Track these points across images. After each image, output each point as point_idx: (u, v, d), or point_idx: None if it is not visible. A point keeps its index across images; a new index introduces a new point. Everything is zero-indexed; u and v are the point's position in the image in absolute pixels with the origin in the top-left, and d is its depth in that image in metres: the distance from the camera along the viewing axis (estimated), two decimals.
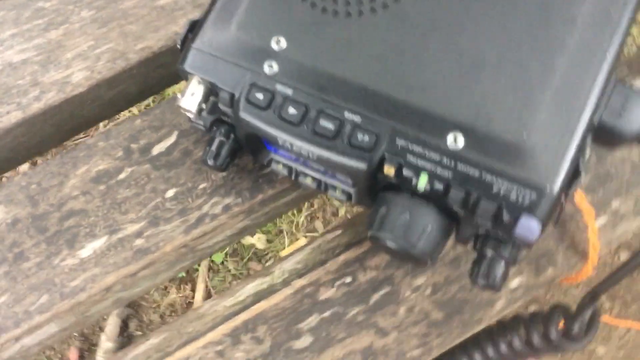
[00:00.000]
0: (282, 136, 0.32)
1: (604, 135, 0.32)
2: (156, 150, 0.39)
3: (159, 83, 0.44)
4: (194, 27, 0.34)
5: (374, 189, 0.33)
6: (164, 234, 0.37)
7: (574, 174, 0.30)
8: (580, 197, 0.40)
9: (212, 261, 1.15)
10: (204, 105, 0.34)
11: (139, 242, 0.37)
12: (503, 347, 0.42)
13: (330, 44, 0.33)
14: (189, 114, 0.34)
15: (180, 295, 1.18)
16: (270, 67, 0.33)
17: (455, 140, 0.30)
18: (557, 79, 0.30)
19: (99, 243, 0.37)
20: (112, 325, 1.12)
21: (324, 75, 0.32)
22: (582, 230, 0.41)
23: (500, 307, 0.40)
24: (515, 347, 0.42)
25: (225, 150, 0.35)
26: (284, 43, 0.33)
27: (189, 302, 1.18)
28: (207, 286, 1.17)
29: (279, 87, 0.32)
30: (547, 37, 0.31)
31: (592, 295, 0.42)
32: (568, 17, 0.31)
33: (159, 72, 0.43)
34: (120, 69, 0.41)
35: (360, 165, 0.31)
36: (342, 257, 0.38)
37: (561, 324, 0.41)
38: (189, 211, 0.37)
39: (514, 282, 0.40)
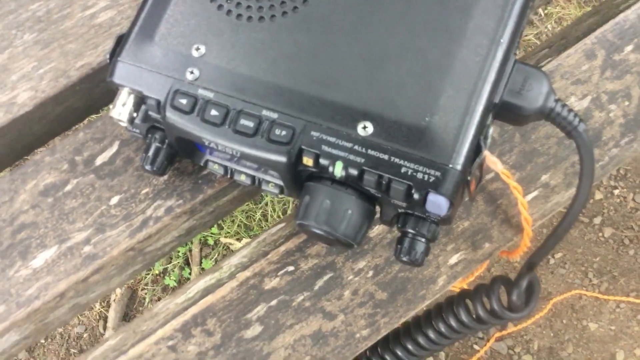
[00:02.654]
0: (206, 137, 0.34)
1: (507, 113, 0.35)
2: (99, 160, 0.41)
3: (104, 97, 0.46)
4: (121, 41, 0.37)
5: (300, 180, 0.35)
6: (111, 239, 0.39)
7: (475, 151, 0.32)
8: (506, 175, 0.42)
9: (203, 269, 1.17)
10: (135, 115, 0.36)
11: (87, 249, 0.39)
12: (453, 322, 0.45)
13: (246, 48, 0.35)
14: (121, 124, 0.36)
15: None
16: (192, 74, 0.35)
17: (365, 129, 0.33)
18: (454, 65, 0.33)
19: (49, 253, 0.39)
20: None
21: (241, 77, 0.34)
22: (514, 206, 0.43)
23: (442, 284, 0.42)
24: (463, 320, 0.44)
25: (162, 155, 0.37)
26: (203, 50, 0.35)
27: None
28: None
29: (201, 92, 0.34)
30: (444, 27, 0.33)
31: (529, 265, 0.44)
32: (463, 6, 0.33)
33: (102, 87, 0.45)
34: (63, 87, 0.43)
35: (280, 158, 0.33)
36: (283, 248, 0.40)
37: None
38: (133, 216, 0.40)
39: (453, 259, 0.43)
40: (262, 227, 1.18)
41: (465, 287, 0.47)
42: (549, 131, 0.44)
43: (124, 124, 0.36)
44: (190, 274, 1.17)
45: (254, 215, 1.19)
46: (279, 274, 0.40)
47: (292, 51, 0.34)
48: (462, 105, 0.32)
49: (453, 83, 0.32)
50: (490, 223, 0.43)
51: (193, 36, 0.35)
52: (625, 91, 0.44)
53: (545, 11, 1.35)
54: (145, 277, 1.19)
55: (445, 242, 0.43)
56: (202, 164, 0.38)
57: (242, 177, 0.38)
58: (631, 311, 1.21)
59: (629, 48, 0.44)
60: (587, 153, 0.36)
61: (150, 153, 0.37)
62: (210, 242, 1.18)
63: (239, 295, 0.40)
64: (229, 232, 1.19)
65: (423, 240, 0.34)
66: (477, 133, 0.32)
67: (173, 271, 1.18)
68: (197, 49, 0.35)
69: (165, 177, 0.40)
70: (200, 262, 1.18)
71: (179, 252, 1.18)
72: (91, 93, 0.45)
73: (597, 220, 1.27)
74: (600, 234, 1.26)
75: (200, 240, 1.19)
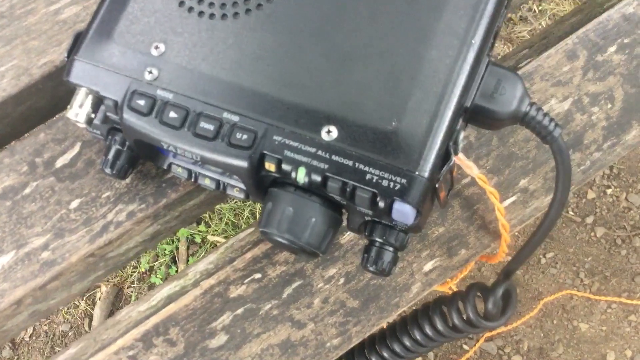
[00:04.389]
0: (164, 140, 0.33)
1: (480, 117, 0.33)
2: (60, 162, 0.39)
3: (69, 96, 0.44)
4: (79, 39, 0.35)
5: (263, 186, 0.34)
6: (70, 245, 0.38)
7: (444, 158, 0.31)
8: (482, 180, 0.40)
9: None
10: (93, 116, 0.35)
11: (45, 254, 0.37)
12: (428, 330, 0.43)
13: (208, 47, 0.33)
14: (79, 125, 0.35)
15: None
16: (151, 73, 0.33)
17: (329, 133, 0.31)
18: (423, 67, 0.31)
19: (6, 258, 0.38)
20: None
21: (202, 78, 0.33)
22: (491, 211, 0.42)
23: (416, 291, 0.41)
24: (438, 329, 0.43)
25: (123, 158, 0.36)
26: (163, 49, 0.33)
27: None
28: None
29: (160, 93, 0.33)
30: (412, 27, 0.32)
31: (506, 273, 0.42)
32: (432, 6, 0.32)
33: (67, 86, 0.43)
34: (25, 85, 0.41)
35: (241, 163, 0.32)
36: (249, 255, 0.39)
37: None
38: (93, 220, 0.38)
39: (428, 265, 0.41)
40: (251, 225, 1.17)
41: (454, 287, 0.45)
42: (527, 134, 0.42)
43: (82, 126, 0.35)
44: (177, 271, 1.15)
45: (242, 213, 1.18)
46: (245, 281, 0.39)
47: (255, 51, 0.33)
48: (430, 109, 0.31)
49: (421, 86, 0.31)
50: (467, 229, 0.42)
51: (153, 34, 0.34)
52: (607, 93, 0.43)
53: (540, 7, 1.33)
54: (132, 275, 1.17)
55: (419, 248, 0.41)
56: (165, 167, 0.37)
57: (207, 181, 0.36)
58: (622, 312, 1.20)
59: (612, 49, 0.43)
60: (564, 159, 0.34)
61: (110, 156, 0.36)
62: (198, 239, 1.17)
63: (203, 303, 0.38)
64: (216, 230, 1.17)
65: (391, 249, 0.33)
66: (445, 139, 0.31)
67: (160, 269, 1.16)
68: (157, 47, 0.34)
69: (128, 180, 0.39)
70: (188, 260, 1.16)
71: (165, 249, 1.16)
72: (55, 92, 0.43)
73: (589, 219, 1.26)
74: (593, 234, 1.25)
75: (188, 238, 1.17)
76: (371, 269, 0.33)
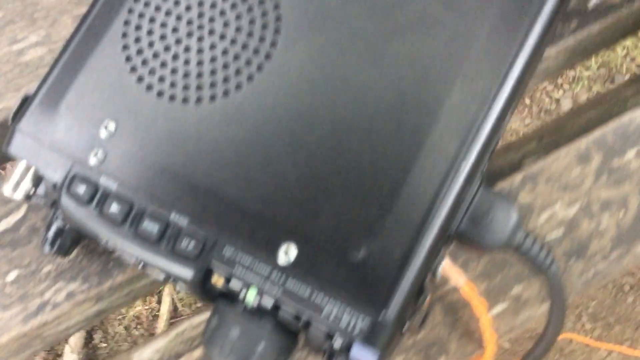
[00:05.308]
0: (102, 235, 0.29)
1: (466, 243, 0.29)
2: (2, 226, 0.35)
3: None
4: (26, 103, 0.31)
5: (211, 295, 0.30)
6: (2, 323, 0.34)
7: (418, 293, 0.27)
8: (470, 289, 0.36)
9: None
10: (32, 191, 0.31)
11: None
12: None
13: (163, 133, 0.29)
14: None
15: (147, 307, 1.15)
16: (96, 156, 0.29)
17: (287, 253, 0.27)
18: (402, 190, 0.27)
19: None
20: (76, 337, 1.10)
21: (153, 168, 0.29)
22: (477, 317, 0.38)
23: None
24: None
25: (65, 236, 0.32)
26: (113, 129, 0.29)
27: (155, 314, 1.16)
28: (173, 299, 1.15)
29: (103, 180, 0.29)
30: (397, 142, 0.27)
31: None
32: (420, 122, 0.27)
33: None
34: None
35: (185, 273, 0.28)
36: (197, 353, 0.35)
37: None
38: (29, 297, 0.34)
39: None
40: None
41: None
42: None
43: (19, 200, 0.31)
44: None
45: None
46: None
47: (215, 146, 0.28)
48: (407, 240, 0.26)
49: (398, 211, 0.26)
50: (448, 335, 0.37)
51: (104, 111, 0.30)
52: (621, 201, 0.38)
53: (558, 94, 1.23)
54: None
55: (394, 352, 0.37)
56: (111, 249, 0.33)
57: (155, 272, 0.32)
58: None
59: (632, 153, 0.38)
60: (558, 295, 0.30)
61: (51, 233, 0.32)
62: None
63: None
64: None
65: None
66: (421, 274, 0.26)
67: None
68: (106, 127, 0.29)
69: (72, 254, 0.35)
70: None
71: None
72: None
73: None
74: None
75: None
76: None
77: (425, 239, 0.26)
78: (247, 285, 0.27)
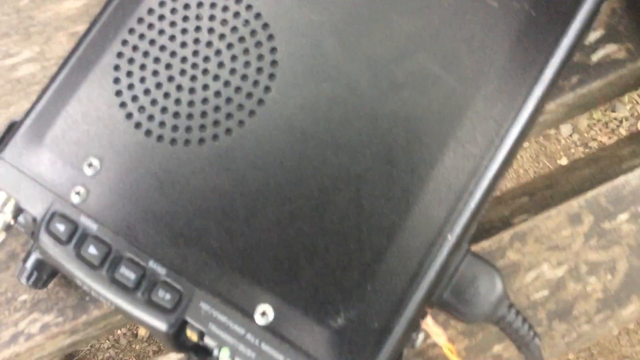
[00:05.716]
0: (78, 276, 0.28)
1: (448, 311, 0.28)
2: None
3: None
4: (11, 130, 0.30)
5: (185, 347, 0.29)
6: None
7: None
8: (450, 350, 0.35)
9: None
10: (13, 222, 0.30)
11: None
12: None
13: (148, 176, 0.28)
14: None
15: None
16: (78, 195, 0.28)
17: (264, 315, 0.26)
18: (385, 262, 0.26)
19: None
20: None
21: (135, 212, 0.28)
22: None
23: None
24: None
25: (42, 268, 0.31)
26: (97, 167, 0.29)
27: (134, 333, 1.14)
28: None
29: (83, 220, 0.28)
30: (380, 213, 0.27)
31: None
32: (406, 193, 0.27)
33: None
34: None
35: (159, 325, 0.27)
36: None
37: None
38: (3, 326, 0.34)
39: None
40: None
41: None
42: None
43: None
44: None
45: None
46: None
47: (200, 193, 0.28)
48: (387, 309, 0.26)
49: (379, 280, 0.26)
50: None
51: (89, 147, 0.29)
52: (609, 263, 0.38)
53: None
54: None
55: None
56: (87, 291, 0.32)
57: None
58: None
59: (624, 217, 0.37)
60: None
61: (28, 265, 0.31)
62: None
63: None
64: None
65: None
66: (400, 344, 0.26)
67: None
68: (90, 164, 0.29)
69: (50, 285, 0.34)
70: None
71: None
72: None
73: None
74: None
75: None
76: None
77: (407, 310, 0.26)
78: (221, 345, 0.26)
